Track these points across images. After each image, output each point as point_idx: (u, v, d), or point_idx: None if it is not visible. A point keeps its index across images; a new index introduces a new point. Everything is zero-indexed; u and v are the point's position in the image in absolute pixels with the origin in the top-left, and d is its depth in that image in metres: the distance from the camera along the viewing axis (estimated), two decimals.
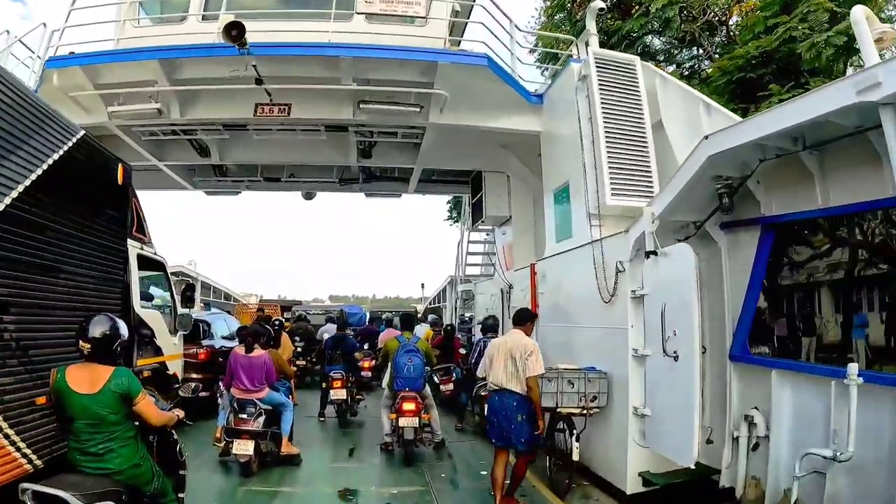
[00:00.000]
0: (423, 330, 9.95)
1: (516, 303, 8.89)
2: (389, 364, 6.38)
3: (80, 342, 2.76)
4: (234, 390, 5.65)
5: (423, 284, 34.60)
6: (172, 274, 9.38)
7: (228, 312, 15.60)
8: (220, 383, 8.02)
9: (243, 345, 5.79)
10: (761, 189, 4.78)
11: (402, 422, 5.89)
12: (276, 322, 8.58)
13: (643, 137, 6.05)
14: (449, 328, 9.29)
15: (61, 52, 7.05)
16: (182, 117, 7.17)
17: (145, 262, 5.91)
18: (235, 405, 5.58)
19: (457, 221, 22.43)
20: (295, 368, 8.84)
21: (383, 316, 14.34)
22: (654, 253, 4.63)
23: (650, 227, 4.68)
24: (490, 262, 10.91)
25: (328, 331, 9.98)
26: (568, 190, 6.42)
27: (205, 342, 8.28)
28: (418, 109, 6.83)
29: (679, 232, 5.19)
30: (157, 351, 5.88)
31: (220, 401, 7.95)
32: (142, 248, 5.76)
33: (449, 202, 22.96)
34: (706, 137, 4.32)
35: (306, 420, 7.84)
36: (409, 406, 5.90)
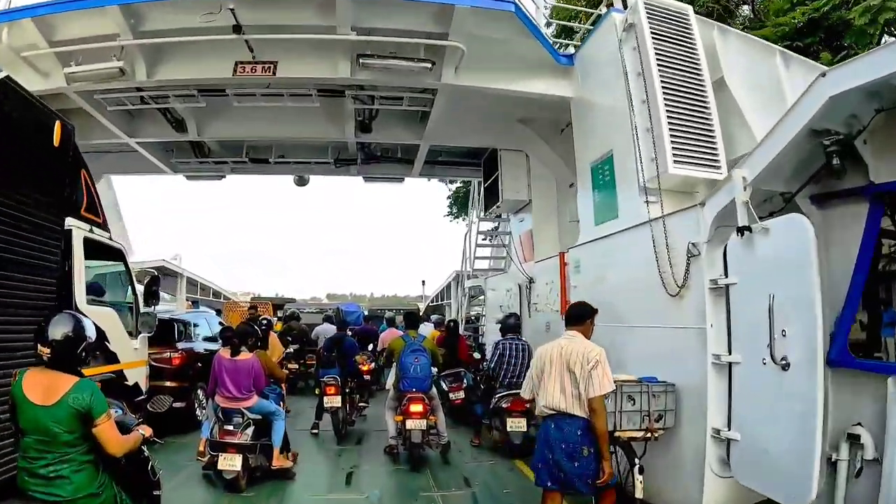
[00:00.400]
0: (427, 330, 8.93)
1: (538, 299, 7.89)
2: (394, 364, 6.03)
3: (39, 346, 2.38)
4: (219, 398, 5.03)
5: (423, 281, 34.11)
6: (155, 269, 8.36)
7: (217, 311, 14.57)
8: (201, 391, 7.13)
9: (228, 347, 5.11)
10: (868, 150, 3.75)
11: (410, 424, 5.53)
12: (264, 321, 7.51)
13: (704, 97, 5.03)
14: (452, 324, 8.17)
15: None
16: (150, 78, 6.11)
17: (97, 249, 4.84)
18: (220, 415, 4.99)
19: (457, 217, 21.40)
20: (287, 372, 7.89)
21: (385, 315, 13.23)
22: (748, 229, 3.56)
23: (742, 195, 3.60)
24: (503, 254, 9.86)
25: (325, 332, 8.84)
26: (611, 162, 5.34)
27: (182, 344, 7.19)
28: (429, 66, 5.73)
29: (761, 206, 4.13)
30: (111, 358, 4.77)
31: (198, 411, 7.01)
32: (91, 231, 4.67)
33: (449, 197, 21.81)
34: (823, 75, 3.27)
35: (298, 434, 6.73)
36: (416, 407, 5.52)
